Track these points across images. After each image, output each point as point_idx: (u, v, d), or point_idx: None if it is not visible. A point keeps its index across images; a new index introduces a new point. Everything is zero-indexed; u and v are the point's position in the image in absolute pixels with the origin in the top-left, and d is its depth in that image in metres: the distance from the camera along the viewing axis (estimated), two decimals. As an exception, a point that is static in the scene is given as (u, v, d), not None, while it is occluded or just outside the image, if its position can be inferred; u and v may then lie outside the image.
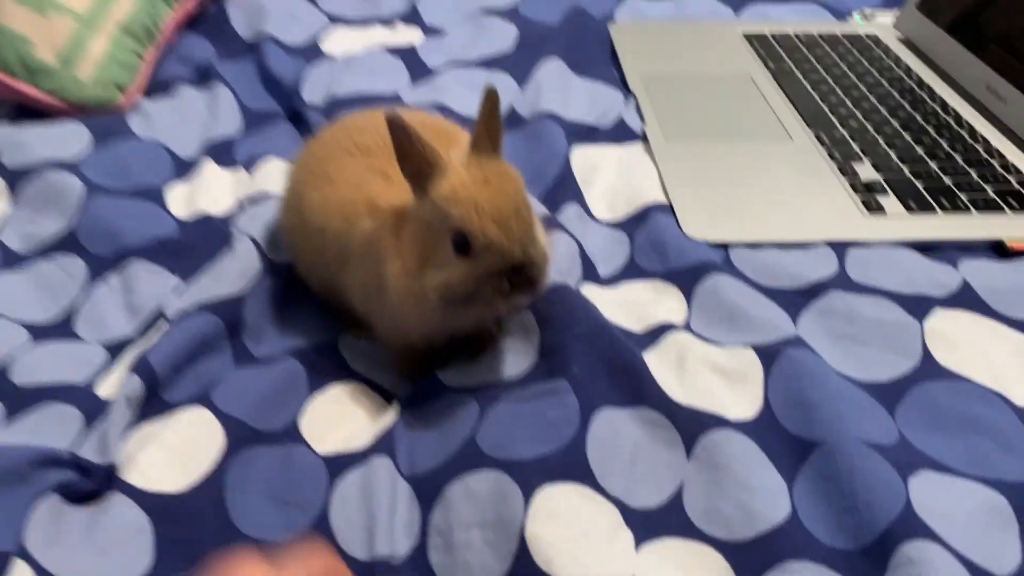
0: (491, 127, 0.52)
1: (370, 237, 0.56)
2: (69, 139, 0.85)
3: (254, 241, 0.70)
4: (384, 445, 0.55)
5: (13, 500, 0.49)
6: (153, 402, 0.58)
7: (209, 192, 0.82)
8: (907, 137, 0.87)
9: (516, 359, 0.60)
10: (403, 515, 0.51)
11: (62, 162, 0.82)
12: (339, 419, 0.58)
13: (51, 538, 0.48)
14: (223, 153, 0.88)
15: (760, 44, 1.05)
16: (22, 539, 0.48)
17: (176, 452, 0.54)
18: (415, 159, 0.51)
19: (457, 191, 0.50)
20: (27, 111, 0.94)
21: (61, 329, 0.69)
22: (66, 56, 0.91)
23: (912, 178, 0.81)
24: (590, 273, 0.70)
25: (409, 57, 1.05)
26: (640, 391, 0.56)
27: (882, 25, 1.11)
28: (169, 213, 0.79)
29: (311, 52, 1.07)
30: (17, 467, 0.50)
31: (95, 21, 0.93)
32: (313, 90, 0.98)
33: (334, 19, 1.15)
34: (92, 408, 0.59)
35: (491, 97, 0.52)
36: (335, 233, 0.58)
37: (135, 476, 0.52)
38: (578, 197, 0.78)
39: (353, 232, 0.57)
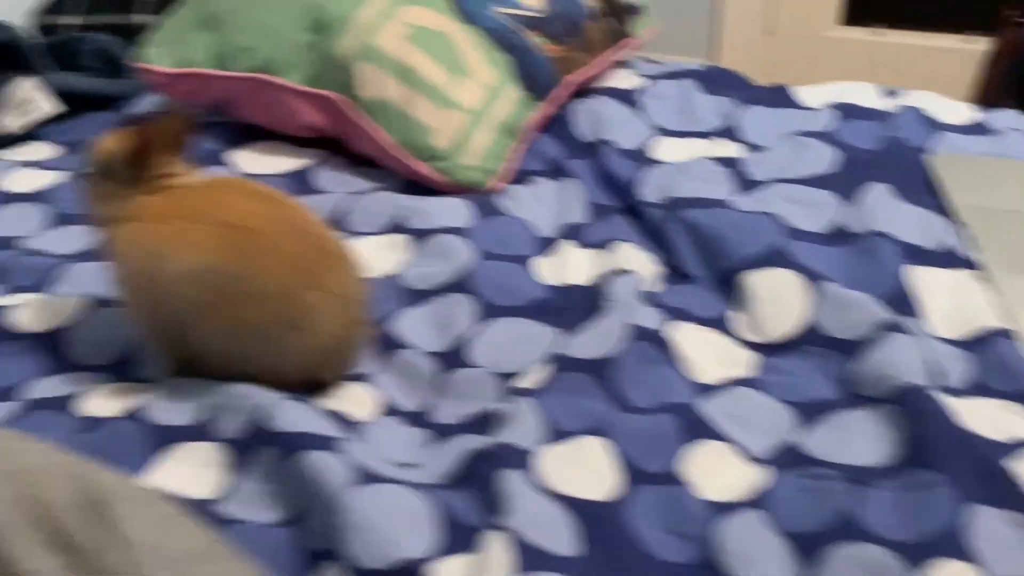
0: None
1: None
2: (457, 211, 1.02)
3: (625, 310, 0.82)
4: (763, 501, 0.63)
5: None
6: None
7: (572, 265, 0.96)
8: None
9: (883, 447, 0.66)
10: (778, 566, 0.59)
11: (454, 228, 0.98)
12: (716, 469, 0.67)
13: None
14: (575, 236, 1.02)
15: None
16: None
17: (583, 468, 0.65)
18: None
19: None
20: (413, 185, 1.13)
21: (454, 359, 0.83)
22: (456, 144, 1.10)
23: None
24: (935, 381, 0.76)
25: (733, 168, 1.16)
26: (1011, 494, 0.61)
27: None
28: (538, 279, 0.93)
29: (641, 157, 1.21)
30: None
31: (482, 118, 1.12)
32: (650, 190, 1.11)
33: (659, 129, 1.28)
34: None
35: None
36: None
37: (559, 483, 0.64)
38: (915, 312, 0.84)
39: None
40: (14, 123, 1.28)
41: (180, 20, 1.25)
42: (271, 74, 1.16)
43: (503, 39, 1.19)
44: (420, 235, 0.99)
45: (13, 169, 1.17)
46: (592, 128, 1.25)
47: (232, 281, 0.68)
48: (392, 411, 0.78)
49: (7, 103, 1.29)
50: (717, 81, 1.44)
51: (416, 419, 0.77)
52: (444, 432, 0.75)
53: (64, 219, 1.08)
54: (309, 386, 0.75)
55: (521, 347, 0.83)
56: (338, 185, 1.14)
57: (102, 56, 1.44)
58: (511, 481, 0.62)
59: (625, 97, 1.33)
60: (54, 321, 0.85)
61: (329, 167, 1.18)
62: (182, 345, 0.74)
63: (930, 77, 2.87)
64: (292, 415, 0.68)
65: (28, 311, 0.86)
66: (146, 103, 1.39)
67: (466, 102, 1.12)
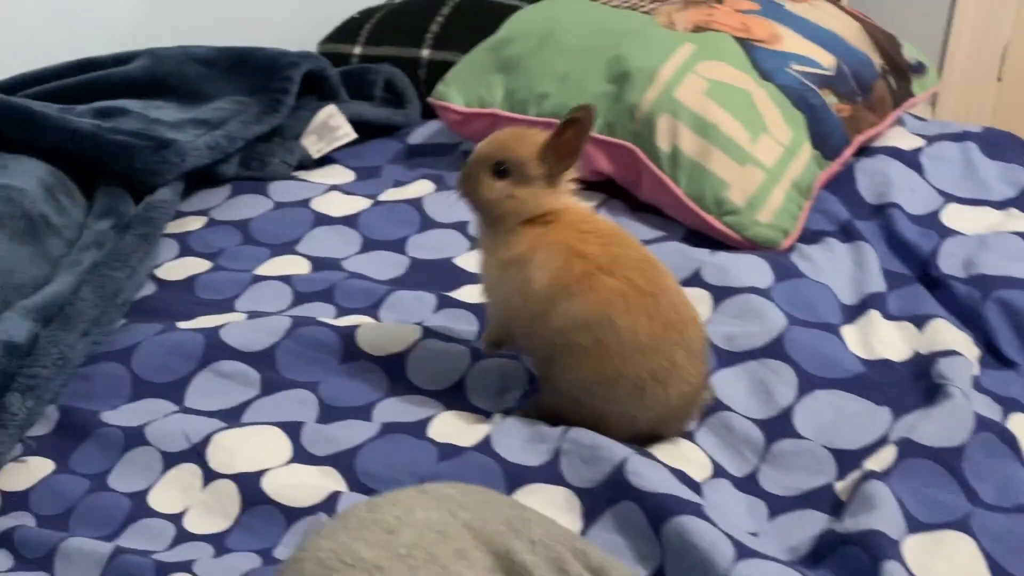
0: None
1: None
2: (756, 269, 1.03)
3: (963, 396, 0.80)
4: None
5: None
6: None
7: (880, 338, 0.94)
8: None
9: None
10: None
11: (756, 288, 0.99)
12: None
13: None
14: (877, 305, 1.01)
15: None
16: None
17: (951, 564, 0.64)
18: None
19: None
20: (695, 236, 1.14)
21: (778, 427, 0.83)
22: (752, 201, 1.11)
23: None
24: None
25: (1040, 246, 1.11)
26: None
27: None
28: (851, 351, 0.92)
29: (933, 224, 1.17)
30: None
31: (778, 175, 1.12)
32: (951, 263, 1.07)
33: (946, 195, 1.24)
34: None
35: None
36: None
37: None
38: None
39: None
40: (315, 147, 1.39)
41: (477, 62, 1.33)
42: (566, 119, 1.21)
43: (799, 97, 1.19)
44: (720, 291, 1.00)
45: (323, 192, 1.27)
46: (875, 189, 1.23)
47: (620, 334, 0.73)
48: (717, 472, 0.79)
49: (312, 128, 1.40)
50: (1000, 145, 1.37)
51: (744, 485, 0.78)
52: (778, 504, 0.76)
53: (373, 245, 1.16)
54: (643, 439, 0.78)
55: (848, 423, 0.82)
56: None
57: (386, 86, 1.55)
58: (893, 571, 0.62)
59: (906, 158, 1.30)
60: (392, 345, 0.92)
61: (607, 210, 1.22)
62: (543, 374, 0.80)
63: None
64: (652, 474, 0.70)
65: (366, 333, 0.93)
66: (425, 133, 1.48)
67: (764, 159, 1.12)
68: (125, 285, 0.99)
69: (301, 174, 1.36)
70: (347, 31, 1.68)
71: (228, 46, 1.45)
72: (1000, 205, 1.22)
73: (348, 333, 0.93)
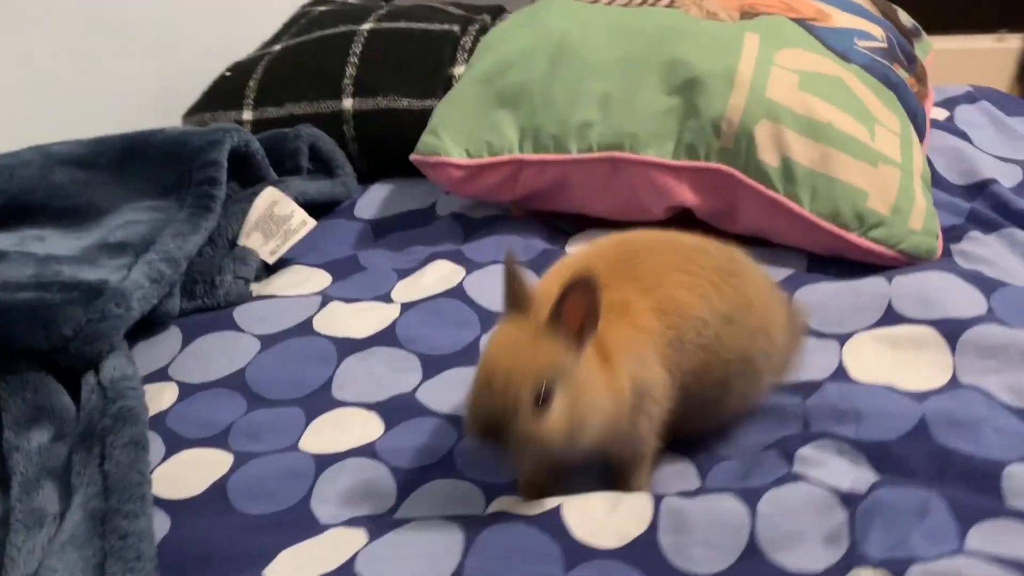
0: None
1: None
2: (957, 287, 0.82)
3: None
4: None
5: None
6: None
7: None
8: None
9: None
10: None
11: (982, 317, 0.78)
12: None
13: None
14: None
15: None
16: None
17: None
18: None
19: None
20: (818, 261, 0.92)
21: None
22: (897, 206, 0.90)
23: None
24: None
25: None
26: None
27: None
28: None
29: (1034, 193, 1.03)
30: None
31: (910, 169, 0.93)
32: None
33: (1013, 161, 1.12)
34: None
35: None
36: None
37: None
38: None
39: None
40: (266, 248, 1.02)
41: (469, 100, 1.02)
42: (626, 150, 0.94)
43: (882, 76, 1.00)
44: (946, 328, 0.78)
45: (320, 307, 0.91)
46: (958, 167, 1.06)
47: None
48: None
49: (253, 223, 1.02)
50: (1002, 100, 1.28)
51: None
52: None
53: (436, 363, 0.83)
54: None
55: None
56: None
57: (310, 153, 1.19)
58: None
59: (951, 129, 1.16)
60: None
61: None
62: None
63: None
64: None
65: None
66: (375, 202, 1.15)
67: (890, 153, 0.92)
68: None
69: (256, 287, 0.99)
70: (223, 94, 1.29)
71: (101, 136, 1.03)
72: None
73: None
